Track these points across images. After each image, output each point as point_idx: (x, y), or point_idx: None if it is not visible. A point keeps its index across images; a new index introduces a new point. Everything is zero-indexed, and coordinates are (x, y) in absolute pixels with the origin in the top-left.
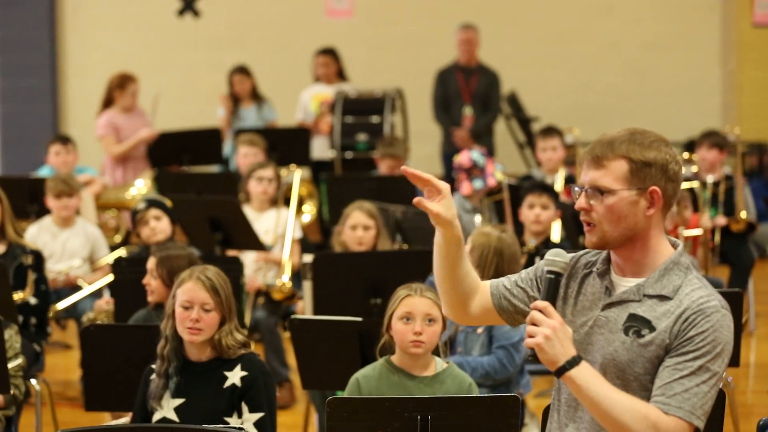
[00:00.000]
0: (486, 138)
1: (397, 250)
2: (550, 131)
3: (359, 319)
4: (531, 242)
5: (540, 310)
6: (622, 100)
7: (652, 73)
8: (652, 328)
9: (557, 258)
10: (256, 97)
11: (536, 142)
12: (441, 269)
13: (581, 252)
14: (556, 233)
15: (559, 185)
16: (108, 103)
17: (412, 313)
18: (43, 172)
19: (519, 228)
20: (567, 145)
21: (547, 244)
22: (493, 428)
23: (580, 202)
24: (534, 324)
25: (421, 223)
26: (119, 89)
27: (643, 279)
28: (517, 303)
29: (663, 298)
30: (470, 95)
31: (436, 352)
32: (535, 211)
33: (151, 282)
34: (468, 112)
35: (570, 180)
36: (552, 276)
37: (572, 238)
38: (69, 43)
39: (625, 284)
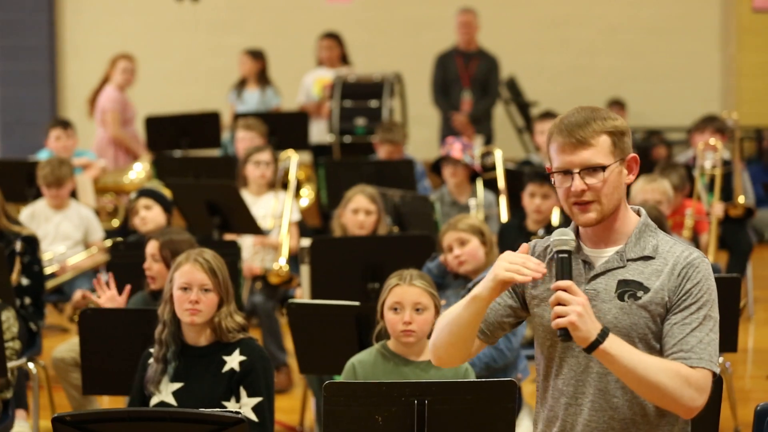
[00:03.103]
0: (485, 123)
1: (394, 234)
2: (549, 116)
3: (357, 303)
4: (540, 232)
5: (564, 290)
6: (622, 84)
7: (652, 58)
8: (646, 289)
9: (564, 237)
10: (261, 81)
11: (535, 126)
12: (460, 340)
13: (533, 242)
14: (555, 217)
15: None
16: (105, 81)
17: (401, 303)
18: (43, 155)
19: (521, 212)
20: None
21: (548, 228)
22: (490, 413)
23: (577, 185)
24: (561, 304)
25: (418, 207)
26: (111, 66)
27: (621, 246)
28: (503, 314)
29: (646, 258)
30: (469, 80)
31: None
32: (535, 201)
33: (153, 266)
34: (467, 96)
35: None
36: (565, 255)
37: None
38: (68, 26)
39: (603, 255)
